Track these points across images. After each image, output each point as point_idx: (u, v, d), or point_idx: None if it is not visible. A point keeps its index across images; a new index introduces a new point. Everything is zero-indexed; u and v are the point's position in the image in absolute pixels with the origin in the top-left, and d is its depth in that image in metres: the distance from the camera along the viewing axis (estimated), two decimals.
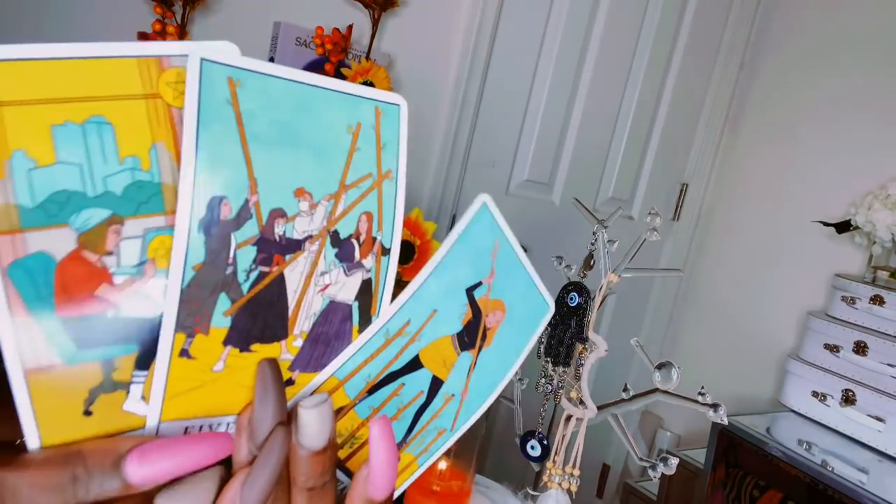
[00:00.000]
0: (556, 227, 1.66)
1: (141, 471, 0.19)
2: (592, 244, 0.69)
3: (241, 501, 0.21)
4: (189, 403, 0.22)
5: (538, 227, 1.64)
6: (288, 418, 0.24)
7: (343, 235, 0.24)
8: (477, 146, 1.52)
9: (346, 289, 0.25)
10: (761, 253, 1.81)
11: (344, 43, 1.26)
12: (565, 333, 0.67)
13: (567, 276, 0.71)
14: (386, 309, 0.26)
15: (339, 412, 0.27)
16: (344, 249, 0.24)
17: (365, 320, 0.26)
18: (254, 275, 0.22)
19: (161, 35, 1.10)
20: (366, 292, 0.26)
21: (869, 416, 1.35)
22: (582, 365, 0.66)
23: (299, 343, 0.24)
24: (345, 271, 0.24)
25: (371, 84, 1.28)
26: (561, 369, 0.68)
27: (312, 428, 0.23)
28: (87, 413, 0.21)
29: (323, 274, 0.24)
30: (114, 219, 0.20)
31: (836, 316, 1.46)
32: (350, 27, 1.26)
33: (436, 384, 0.29)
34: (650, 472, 0.62)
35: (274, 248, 0.22)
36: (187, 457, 0.20)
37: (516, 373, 0.77)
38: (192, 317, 0.21)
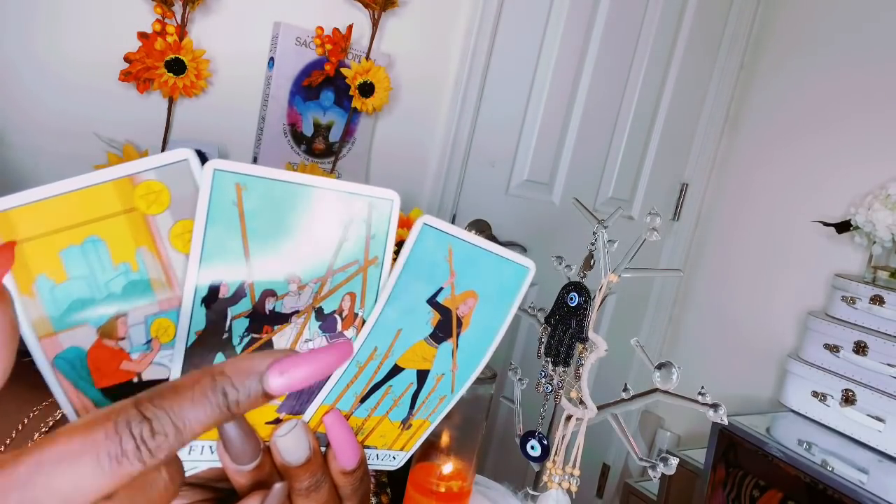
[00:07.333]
0: (556, 227, 1.66)
1: (280, 380, 0.22)
2: (592, 244, 0.69)
3: None
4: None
5: (538, 227, 1.64)
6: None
7: (327, 311, 0.28)
8: (477, 146, 1.52)
9: None
10: (761, 253, 1.81)
11: (344, 43, 1.26)
12: (565, 333, 0.67)
13: (567, 276, 0.71)
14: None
15: None
16: (327, 323, 0.29)
17: None
18: (246, 340, 0.27)
19: (161, 35, 1.10)
20: None
21: (869, 416, 1.35)
22: (582, 365, 0.66)
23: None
24: (327, 340, 0.29)
25: (371, 84, 1.28)
26: (561, 369, 0.68)
27: (289, 449, 0.28)
28: None
29: (307, 341, 0.28)
30: (119, 313, 0.25)
31: (836, 316, 1.46)
32: (350, 27, 1.26)
33: (423, 374, 0.31)
34: (650, 472, 0.62)
35: (264, 320, 0.27)
36: (317, 365, 0.23)
37: (516, 373, 0.77)
38: (194, 370, 0.27)
